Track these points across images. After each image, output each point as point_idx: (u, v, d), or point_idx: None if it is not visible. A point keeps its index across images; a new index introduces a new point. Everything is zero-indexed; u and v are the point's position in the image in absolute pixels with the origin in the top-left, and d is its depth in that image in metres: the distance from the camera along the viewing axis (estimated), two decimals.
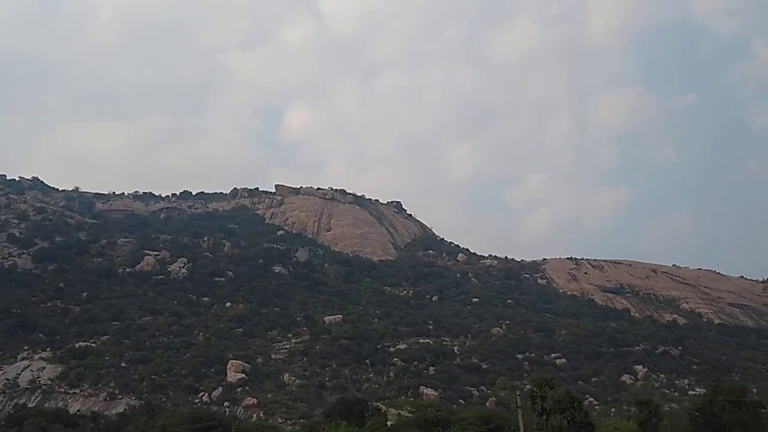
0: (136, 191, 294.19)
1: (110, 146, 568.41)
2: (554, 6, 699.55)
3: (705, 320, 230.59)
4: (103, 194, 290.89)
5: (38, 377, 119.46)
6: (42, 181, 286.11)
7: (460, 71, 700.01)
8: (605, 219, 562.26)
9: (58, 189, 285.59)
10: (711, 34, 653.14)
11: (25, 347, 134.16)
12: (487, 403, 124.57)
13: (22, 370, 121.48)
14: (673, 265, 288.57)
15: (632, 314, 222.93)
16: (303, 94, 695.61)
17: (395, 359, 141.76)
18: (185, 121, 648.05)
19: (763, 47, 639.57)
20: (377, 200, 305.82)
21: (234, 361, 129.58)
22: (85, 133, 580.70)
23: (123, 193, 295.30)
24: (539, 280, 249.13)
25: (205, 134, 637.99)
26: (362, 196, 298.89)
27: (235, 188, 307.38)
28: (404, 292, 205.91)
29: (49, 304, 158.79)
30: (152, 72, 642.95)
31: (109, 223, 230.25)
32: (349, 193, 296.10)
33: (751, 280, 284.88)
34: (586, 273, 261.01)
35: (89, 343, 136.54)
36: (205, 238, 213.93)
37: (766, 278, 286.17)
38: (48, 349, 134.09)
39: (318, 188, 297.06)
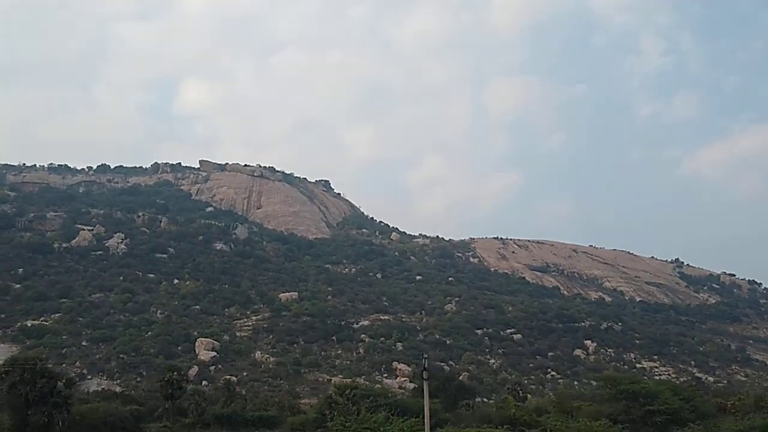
0: (51, 163, 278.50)
1: None
2: None
3: (627, 298, 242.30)
4: (13, 165, 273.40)
5: None
6: None
7: (361, 53, 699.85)
8: (496, 200, 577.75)
9: None
10: (604, 28, 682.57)
11: None
12: (461, 377, 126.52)
13: None
14: (590, 246, 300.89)
15: (562, 292, 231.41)
16: (200, 68, 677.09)
17: (362, 335, 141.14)
18: (72, 94, 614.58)
19: (651, 43, 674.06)
20: (305, 178, 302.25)
21: (203, 339, 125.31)
22: None
23: (35, 165, 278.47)
24: (471, 259, 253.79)
25: (94, 107, 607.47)
26: (291, 174, 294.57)
27: (156, 163, 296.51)
28: (346, 270, 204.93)
29: None
30: (37, 41, 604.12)
31: (34, 197, 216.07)
32: (278, 171, 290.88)
33: (662, 260, 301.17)
34: (513, 252, 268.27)
35: (40, 322, 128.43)
36: (140, 214, 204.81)
37: (674, 258, 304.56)
38: None
39: (245, 165, 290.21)
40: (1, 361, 58.55)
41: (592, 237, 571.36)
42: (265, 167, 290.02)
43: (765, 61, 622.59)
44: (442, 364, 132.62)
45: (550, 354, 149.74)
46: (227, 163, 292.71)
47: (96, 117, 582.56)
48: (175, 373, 71.16)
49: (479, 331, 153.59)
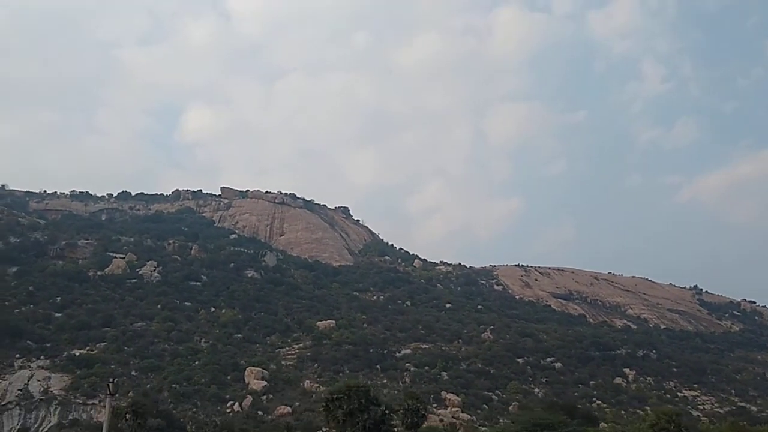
0: (72, 190, 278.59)
1: None
2: (459, 19, 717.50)
3: (652, 325, 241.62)
4: (35, 192, 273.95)
5: (48, 387, 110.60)
6: None
7: (363, 79, 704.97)
8: (497, 226, 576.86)
9: None
10: (605, 54, 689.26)
11: (17, 355, 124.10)
12: (510, 408, 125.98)
13: (28, 380, 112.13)
14: (609, 273, 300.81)
15: (588, 319, 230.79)
16: (202, 95, 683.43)
17: (407, 364, 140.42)
18: (73, 119, 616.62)
19: (651, 69, 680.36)
20: (325, 205, 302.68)
21: (252, 368, 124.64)
22: None
23: (56, 192, 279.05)
24: (495, 287, 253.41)
25: (96, 133, 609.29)
26: (311, 201, 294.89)
27: (177, 190, 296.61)
28: (374, 297, 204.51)
29: (23, 308, 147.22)
30: (38, 65, 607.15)
31: (63, 224, 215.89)
32: (299, 198, 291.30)
33: (681, 287, 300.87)
34: (536, 280, 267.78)
35: (86, 351, 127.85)
36: (170, 241, 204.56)
37: (693, 285, 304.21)
38: (41, 357, 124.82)
39: (267, 191, 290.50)
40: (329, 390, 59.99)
41: (594, 263, 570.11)
42: (285, 194, 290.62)
43: (764, 87, 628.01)
44: (490, 393, 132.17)
45: (591, 382, 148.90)
46: (248, 190, 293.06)
47: (99, 143, 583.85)
48: None
49: (520, 360, 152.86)
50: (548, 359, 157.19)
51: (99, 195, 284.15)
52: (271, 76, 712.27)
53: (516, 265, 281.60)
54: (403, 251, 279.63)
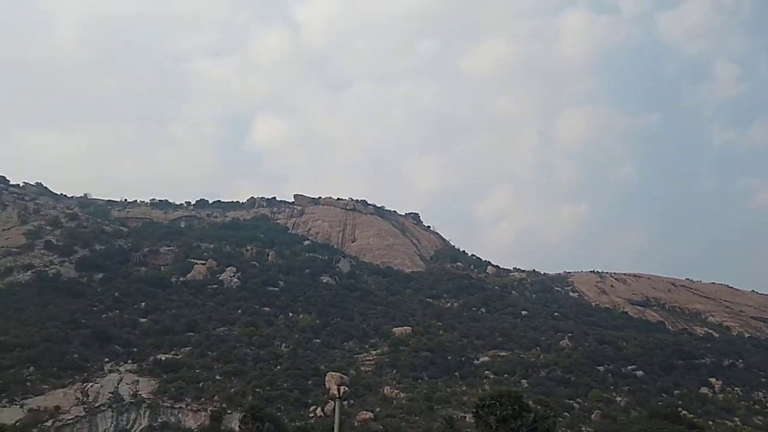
0: (152, 199, 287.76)
1: (68, 153, 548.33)
2: (525, 23, 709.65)
3: (735, 334, 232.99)
4: (116, 201, 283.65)
5: (137, 391, 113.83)
6: (46, 187, 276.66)
7: (429, 86, 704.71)
8: (565, 232, 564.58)
9: (66, 195, 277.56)
10: (676, 55, 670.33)
11: (106, 359, 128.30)
12: (592, 416, 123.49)
13: (118, 384, 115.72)
14: (686, 279, 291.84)
15: (667, 327, 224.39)
16: (271, 104, 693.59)
17: (486, 372, 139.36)
18: (149, 129, 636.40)
19: (725, 68, 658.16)
20: (395, 211, 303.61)
21: (333, 373, 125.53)
22: (42, 140, 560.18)
23: (136, 201, 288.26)
24: (571, 293, 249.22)
25: (169, 142, 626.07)
26: (382, 207, 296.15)
27: (252, 197, 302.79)
28: (448, 304, 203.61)
29: (109, 314, 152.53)
30: (115, 79, 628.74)
31: (145, 232, 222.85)
32: (370, 204, 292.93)
33: (764, 294, 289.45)
34: (612, 286, 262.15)
35: (171, 355, 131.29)
36: (248, 247, 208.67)
37: None
38: (129, 361, 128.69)
39: (338, 198, 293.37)
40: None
41: (667, 268, 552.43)
42: (357, 200, 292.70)
43: None
44: (571, 401, 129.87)
45: (676, 392, 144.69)
46: (320, 197, 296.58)
47: (172, 153, 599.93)
48: None
49: (600, 368, 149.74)
50: (629, 367, 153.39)
51: (177, 203, 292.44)
52: (339, 84, 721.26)
53: (591, 272, 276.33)
54: (474, 257, 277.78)
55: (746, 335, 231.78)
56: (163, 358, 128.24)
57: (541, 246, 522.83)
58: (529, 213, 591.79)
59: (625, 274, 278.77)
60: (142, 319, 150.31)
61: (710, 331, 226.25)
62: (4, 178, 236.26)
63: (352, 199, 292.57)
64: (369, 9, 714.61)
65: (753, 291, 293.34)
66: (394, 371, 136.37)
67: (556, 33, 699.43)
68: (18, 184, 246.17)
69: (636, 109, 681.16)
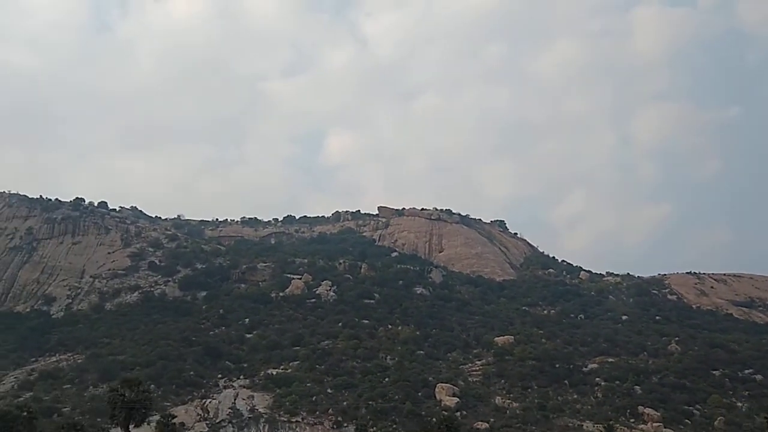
0: (243, 217, 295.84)
1: (148, 178, 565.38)
2: (597, 21, 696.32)
3: None
4: (208, 221, 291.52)
5: (254, 406, 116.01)
6: (141, 210, 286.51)
7: (499, 90, 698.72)
8: (646, 233, 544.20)
9: (161, 217, 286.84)
10: (759, 43, 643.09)
11: (219, 375, 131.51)
12: (716, 423, 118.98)
13: (234, 399, 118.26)
14: None
15: None
16: (343, 119, 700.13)
17: (596, 379, 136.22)
18: (226, 151, 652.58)
19: None
20: (480, 219, 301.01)
21: (444, 384, 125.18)
22: (124, 166, 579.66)
23: (226, 219, 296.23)
24: (669, 296, 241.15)
25: (246, 162, 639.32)
26: (467, 216, 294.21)
27: (337, 211, 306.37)
28: (545, 311, 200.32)
29: (216, 330, 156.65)
30: (193, 103, 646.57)
31: (242, 249, 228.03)
32: (455, 213, 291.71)
33: None
34: (712, 287, 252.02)
35: (280, 370, 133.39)
36: (341, 261, 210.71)
37: None
38: (241, 376, 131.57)
39: (422, 209, 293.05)
40: None
41: (755, 266, 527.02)
42: (441, 210, 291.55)
43: None
44: (690, 407, 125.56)
45: None
46: (404, 208, 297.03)
47: (247, 172, 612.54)
48: None
49: (716, 372, 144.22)
50: (746, 371, 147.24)
51: (265, 220, 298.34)
52: (408, 94, 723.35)
53: (688, 273, 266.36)
54: (565, 263, 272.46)
55: None
56: (274, 373, 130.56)
57: (623, 248, 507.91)
58: (606, 215, 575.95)
59: (724, 274, 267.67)
60: (248, 335, 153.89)
61: None
62: (106, 203, 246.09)
63: (436, 209, 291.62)
64: (433, 17, 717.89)
65: None
66: (503, 381, 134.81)
67: (627, 29, 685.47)
68: (115, 209, 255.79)
69: (716, 103, 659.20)
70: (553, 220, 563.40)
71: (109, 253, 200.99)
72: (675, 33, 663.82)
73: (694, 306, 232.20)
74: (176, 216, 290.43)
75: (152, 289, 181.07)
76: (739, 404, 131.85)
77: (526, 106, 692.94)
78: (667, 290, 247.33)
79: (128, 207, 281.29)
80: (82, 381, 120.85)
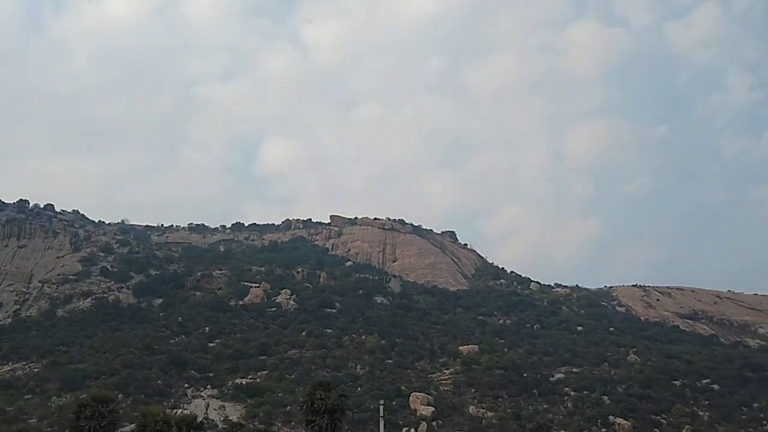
0: (190, 223, 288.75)
1: (79, 182, 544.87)
2: (535, 38, 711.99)
3: None
4: (153, 226, 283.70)
5: (227, 417, 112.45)
6: (83, 214, 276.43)
7: (439, 103, 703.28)
8: (577, 247, 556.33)
9: (105, 222, 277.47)
10: (687, 66, 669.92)
11: (185, 384, 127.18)
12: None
13: (206, 410, 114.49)
14: (728, 291, 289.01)
15: (720, 340, 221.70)
16: (280, 126, 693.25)
17: (565, 388, 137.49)
18: (160, 155, 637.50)
19: (738, 77, 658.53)
20: (432, 230, 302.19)
21: (418, 393, 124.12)
22: (55, 169, 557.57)
23: (172, 225, 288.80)
24: (618, 308, 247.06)
25: (180, 167, 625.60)
26: (419, 226, 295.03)
27: (288, 219, 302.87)
28: (500, 321, 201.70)
29: (176, 339, 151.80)
30: (127, 106, 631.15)
31: (196, 256, 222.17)
32: (407, 223, 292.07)
33: None
34: (658, 300, 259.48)
35: (249, 380, 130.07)
36: (299, 269, 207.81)
37: None
38: (208, 386, 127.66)
39: (375, 218, 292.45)
40: None
41: (684, 280, 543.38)
42: (394, 220, 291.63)
43: None
44: (657, 417, 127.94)
45: (755, 405, 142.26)
46: (356, 218, 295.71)
47: (182, 177, 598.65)
48: None
49: (677, 382, 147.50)
50: (704, 381, 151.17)
51: (213, 227, 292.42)
52: (347, 104, 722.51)
53: (634, 285, 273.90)
54: (515, 274, 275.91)
55: None
56: (243, 383, 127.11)
57: (551, 261, 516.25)
58: (539, 229, 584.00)
59: (668, 287, 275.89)
60: (211, 344, 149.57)
61: (763, 343, 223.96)
62: (52, 206, 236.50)
63: (389, 219, 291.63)
64: (375, 28, 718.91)
65: None
66: (473, 390, 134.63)
67: (565, 46, 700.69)
68: (62, 211, 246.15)
69: (647, 121, 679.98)
70: (488, 232, 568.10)
71: (58, 257, 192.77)
72: (609, 52, 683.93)
73: (642, 318, 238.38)
74: (120, 221, 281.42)
75: (105, 295, 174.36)
76: (701, 413, 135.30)
77: (465, 119, 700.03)
78: (615, 302, 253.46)
79: (70, 210, 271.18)
80: (44, 391, 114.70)
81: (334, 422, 59.46)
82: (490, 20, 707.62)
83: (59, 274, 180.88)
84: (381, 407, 52.90)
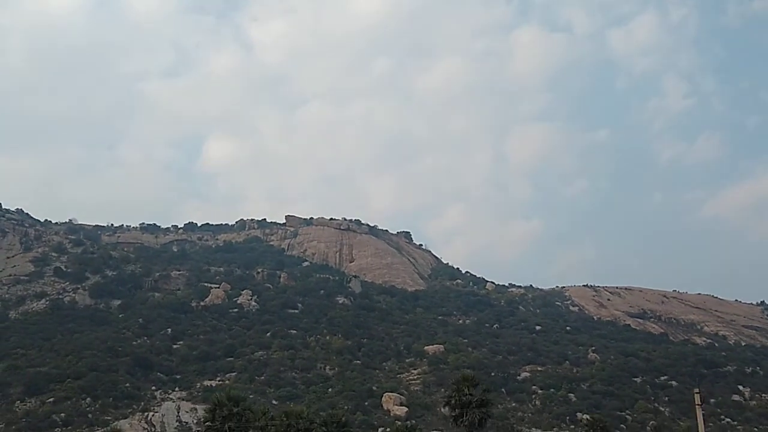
0: (142, 223, 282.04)
1: (19, 180, 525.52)
2: (480, 42, 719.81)
3: (732, 342, 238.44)
4: (103, 226, 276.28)
5: (200, 419, 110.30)
6: (27, 213, 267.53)
7: (384, 105, 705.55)
8: (518, 248, 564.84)
9: (51, 221, 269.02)
10: (626, 71, 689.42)
11: (153, 387, 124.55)
12: (648, 428, 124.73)
13: (178, 412, 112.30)
14: (673, 290, 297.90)
15: (670, 338, 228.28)
16: (225, 124, 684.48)
17: (533, 387, 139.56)
18: (99, 152, 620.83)
19: (674, 84, 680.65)
20: (387, 230, 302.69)
21: (390, 393, 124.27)
22: None
23: (122, 225, 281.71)
24: (571, 307, 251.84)
25: (119, 165, 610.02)
26: (375, 227, 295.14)
27: (242, 219, 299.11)
28: (460, 321, 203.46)
29: (139, 341, 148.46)
30: (65, 100, 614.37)
31: (152, 257, 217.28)
32: (364, 224, 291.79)
33: (749, 303, 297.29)
34: (608, 299, 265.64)
35: (218, 382, 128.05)
36: (259, 270, 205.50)
37: (760, 301, 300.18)
38: (176, 388, 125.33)
39: (331, 218, 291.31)
40: None
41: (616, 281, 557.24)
42: (351, 220, 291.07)
43: None
44: (622, 413, 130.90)
45: (711, 400, 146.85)
46: (312, 218, 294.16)
47: (122, 175, 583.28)
48: None
49: (637, 379, 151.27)
50: (662, 377, 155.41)
51: (165, 227, 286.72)
52: (293, 104, 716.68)
53: (585, 285, 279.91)
54: (470, 274, 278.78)
55: (743, 343, 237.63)
56: (213, 385, 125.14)
57: (494, 262, 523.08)
58: (482, 231, 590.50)
59: (617, 288, 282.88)
60: (175, 346, 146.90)
61: (709, 341, 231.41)
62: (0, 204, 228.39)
63: (345, 219, 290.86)
64: (322, 28, 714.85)
65: (737, 300, 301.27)
66: (443, 389, 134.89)
67: (509, 51, 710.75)
68: (8, 210, 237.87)
69: (588, 126, 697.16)
70: (431, 232, 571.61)
71: (8, 257, 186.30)
72: (552, 56, 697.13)
73: (595, 317, 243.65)
74: (68, 220, 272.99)
75: (60, 296, 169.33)
76: (662, 409, 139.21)
77: (410, 120, 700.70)
78: (569, 302, 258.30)
79: (13, 209, 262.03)
80: (6, 395, 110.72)
81: (482, 416, 59.48)
82: (436, 23, 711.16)
83: (10, 275, 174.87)
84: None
